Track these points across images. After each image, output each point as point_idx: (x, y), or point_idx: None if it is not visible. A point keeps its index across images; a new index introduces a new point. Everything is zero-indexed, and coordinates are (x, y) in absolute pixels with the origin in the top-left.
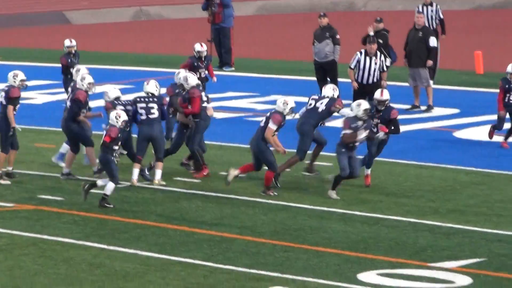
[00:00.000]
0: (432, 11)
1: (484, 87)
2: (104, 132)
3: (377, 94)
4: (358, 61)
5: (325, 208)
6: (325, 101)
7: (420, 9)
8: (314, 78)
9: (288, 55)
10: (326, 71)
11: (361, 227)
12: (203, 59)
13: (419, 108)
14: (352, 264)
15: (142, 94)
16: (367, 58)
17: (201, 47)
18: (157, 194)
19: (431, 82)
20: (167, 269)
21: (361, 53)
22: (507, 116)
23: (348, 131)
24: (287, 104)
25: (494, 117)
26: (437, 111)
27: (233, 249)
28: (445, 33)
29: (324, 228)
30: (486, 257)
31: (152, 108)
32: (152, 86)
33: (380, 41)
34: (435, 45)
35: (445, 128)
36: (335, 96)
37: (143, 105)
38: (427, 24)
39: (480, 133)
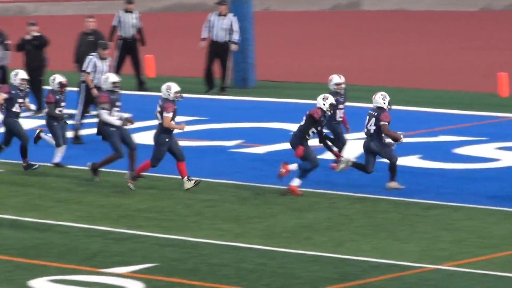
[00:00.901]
0: (132, 18)
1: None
2: None
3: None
4: (95, 65)
5: None
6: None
7: (120, 16)
8: None
9: None
10: None
11: (33, 233)
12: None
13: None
14: (23, 270)
15: None
16: (101, 62)
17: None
18: None
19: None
20: None
21: (93, 56)
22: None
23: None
24: (170, 89)
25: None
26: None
27: None
28: (144, 44)
29: None
30: (158, 262)
31: None
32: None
33: (37, 43)
34: None
35: None
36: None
37: None
38: (123, 33)
39: None
